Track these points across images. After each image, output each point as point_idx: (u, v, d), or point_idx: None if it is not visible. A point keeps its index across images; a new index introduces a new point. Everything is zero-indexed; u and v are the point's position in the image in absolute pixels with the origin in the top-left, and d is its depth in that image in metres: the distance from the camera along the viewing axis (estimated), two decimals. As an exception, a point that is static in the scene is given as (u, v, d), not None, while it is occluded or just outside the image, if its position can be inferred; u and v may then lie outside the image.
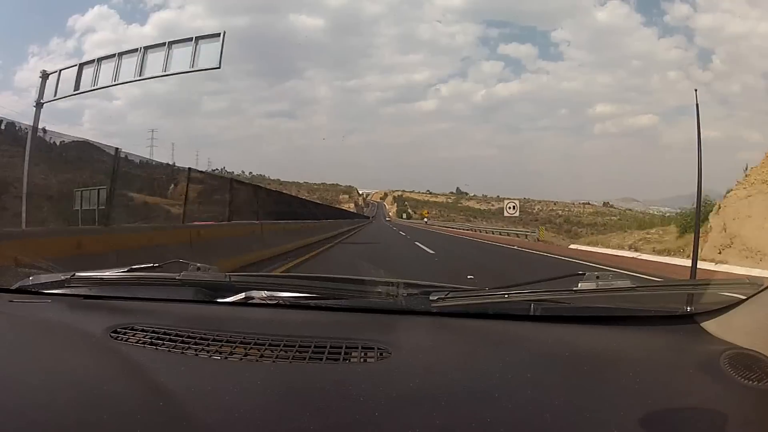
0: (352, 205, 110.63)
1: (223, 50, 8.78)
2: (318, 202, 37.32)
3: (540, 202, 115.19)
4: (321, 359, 0.77)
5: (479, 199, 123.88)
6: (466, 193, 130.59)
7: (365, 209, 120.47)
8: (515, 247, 15.45)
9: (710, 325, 0.89)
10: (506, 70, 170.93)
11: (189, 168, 7.91)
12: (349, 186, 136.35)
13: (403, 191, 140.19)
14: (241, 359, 0.77)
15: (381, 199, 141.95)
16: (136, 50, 9.23)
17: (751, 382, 0.70)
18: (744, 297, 0.88)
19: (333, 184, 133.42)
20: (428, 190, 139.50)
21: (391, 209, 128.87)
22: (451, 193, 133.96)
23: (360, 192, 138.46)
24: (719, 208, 11.46)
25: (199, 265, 1.21)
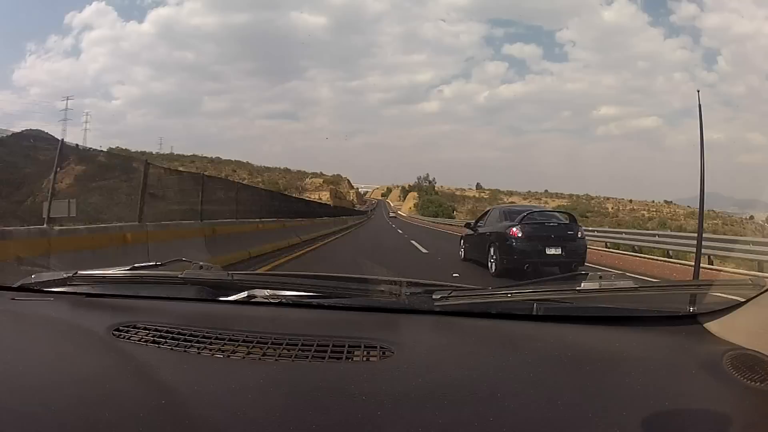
0: (325, 196, 74.70)
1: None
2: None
3: (609, 199, 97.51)
4: (323, 358, 0.77)
5: (525, 195, 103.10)
6: (484, 188, 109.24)
7: (358, 207, 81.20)
8: None
9: (713, 326, 0.89)
10: (510, 71, 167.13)
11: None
12: (337, 175, 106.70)
13: (418, 181, 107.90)
14: (244, 358, 0.77)
15: (383, 195, 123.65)
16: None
17: (753, 382, 0.70)
18: (746, 298, 0.89)
19: (299, 171, 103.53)
20: (441, 186, 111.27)
21: (400, 205, 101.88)
22: (471, 188, 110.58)
23: (354, 185, 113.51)
24: None
25: (201, 263, 1.21)
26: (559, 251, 6.94)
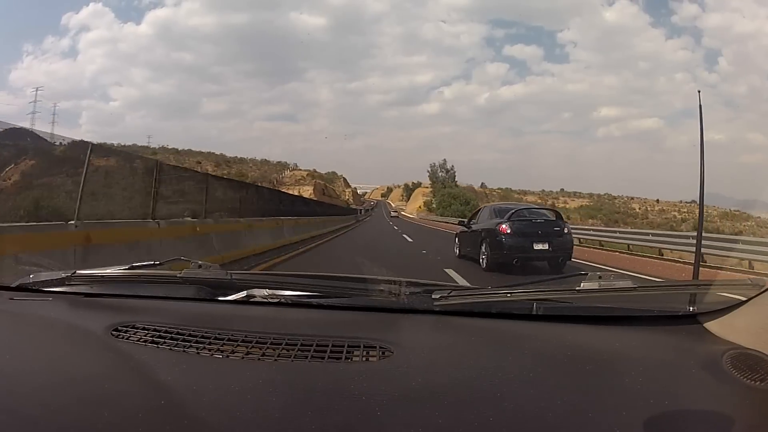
0: (308, 192, 64.73)
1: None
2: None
3: (633, 199, 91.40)
4: (323, 358, 0.77)
5: (539, 194, 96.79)
6: (492, 188, 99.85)
7: (353, 206, 71.47)
8: None
9: (713, 326, 0.89)
10: (511, 72, 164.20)
11: None
12: (332, 172, 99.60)
13: (431, 170, 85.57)
14: (243, 358, 0.77)
15: (383, 195, 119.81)
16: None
17: (753, 382, 0.70)
18: (746, 297, 0.89)
19: (279, 162, 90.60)
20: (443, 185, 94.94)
21: (403, 205, 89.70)
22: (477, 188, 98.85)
23: (352, 186, 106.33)
24: None
25: (200, 262, 1.20)
26: (546, 246, 7.21)
